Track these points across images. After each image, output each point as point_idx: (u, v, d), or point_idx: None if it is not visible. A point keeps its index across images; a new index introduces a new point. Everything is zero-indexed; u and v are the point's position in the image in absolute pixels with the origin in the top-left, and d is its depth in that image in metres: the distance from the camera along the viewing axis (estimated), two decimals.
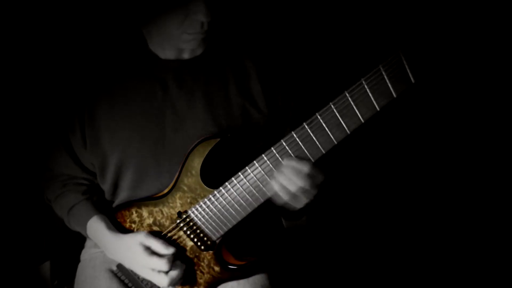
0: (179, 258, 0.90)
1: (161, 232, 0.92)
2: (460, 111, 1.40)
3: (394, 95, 0.70)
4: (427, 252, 1.52)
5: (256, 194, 0.84)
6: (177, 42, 0.87)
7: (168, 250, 0.86)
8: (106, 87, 0.92)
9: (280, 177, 0.79)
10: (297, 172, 0.77)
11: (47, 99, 1.03)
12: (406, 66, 0.68)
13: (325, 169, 0.81)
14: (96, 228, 0.93)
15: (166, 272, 0.86)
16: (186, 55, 0.92)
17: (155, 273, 0.86)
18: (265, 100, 0.93)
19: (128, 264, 0.91)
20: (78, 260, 1.08)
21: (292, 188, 0.78)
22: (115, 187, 0.98)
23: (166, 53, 0.91)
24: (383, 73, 0.69)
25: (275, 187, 0.80)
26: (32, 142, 1.16)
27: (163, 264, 0.85)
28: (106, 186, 0.99)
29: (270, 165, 0.81)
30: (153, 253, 0.87)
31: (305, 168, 0.77)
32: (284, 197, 0.81)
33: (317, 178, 0.79)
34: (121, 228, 0.94)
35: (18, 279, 1.23)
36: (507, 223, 1.47)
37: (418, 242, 1.52)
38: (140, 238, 0.88)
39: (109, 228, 0.92)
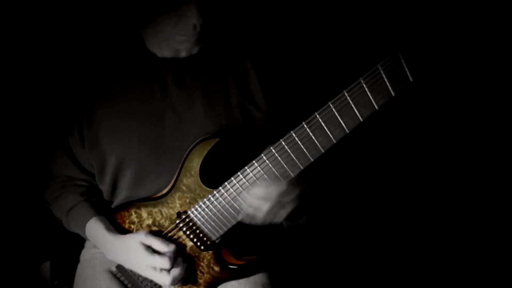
0: (179, 257, 0.90)
1: (161, 231, 0.92)
2: (459, 110, 1.40)
3: (393, 93, 0.71)
4: (427, 252, 1.52)
5: None
6: (172, 43, 0.88)
7: (169, 248, 0.87)
8: (105, 88, 0.92)
9: (246, 206, 0.83)
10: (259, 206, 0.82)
11: (45, 100, 1.03)
12: (404, 65, 0.68)
13: (314, 168, 0.82)
14: (95, 230, 0.93)
15: (168, 270, 0.86)
16: (183, 54, 0.92)
17: (157, 272, 0.86)
18: (264, 98, 0.93)
19: (129, 265, 0.91)
20: (78, 260, 1.08)
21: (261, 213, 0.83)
22: (114, 187, 0.97)
23: (163, 52, 0.92)
24: (382, 72, 0.70)
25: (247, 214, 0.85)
26: (31, 142, 1.16)
27: (165, 262, 0.85)
28: (105, 187, 0.98)
29: (270, 164, 0.81)
30: (154, 251, 0.87)
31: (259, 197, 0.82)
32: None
33: (286, 194, 0.82)
34: (120, 229, 0.94)
35: (18, 279, 1.23)
36: (507, 223, 1.47)
37: (418, 241, 1.52)
38: (140, 238, 0.88)
39: (108, 229, 0.92)
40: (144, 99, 0.91)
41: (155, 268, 0.86)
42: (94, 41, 1.03)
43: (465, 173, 1.47)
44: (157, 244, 0.87)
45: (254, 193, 0.83)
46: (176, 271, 0.87)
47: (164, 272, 0.86)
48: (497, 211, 1.48)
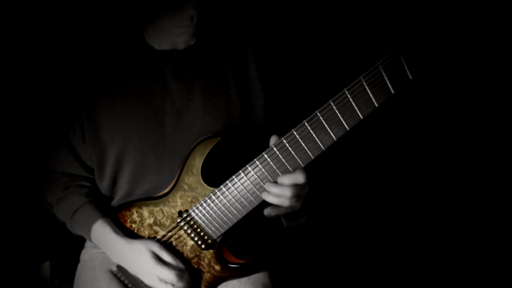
0: (181, 258, 0.91)
1: (171, 244, 0.92)
2: (458, 109, 1.41)
3: (392, 91, 0.72)
4: (427, 252, 1.52)
5: (257, 192, 0.84)
6: (170, 36, 0.89)
7: (178, 262, 0.88)
8: (105, 83, 0.93)
9: (269, 198, 0.83)
10: (282, 193, 0.82)
11: (46, 96, 1.04)
12: (404, 63, 0.70)
13: (314, 168, 0.83)
14: (102, 232, 0.93)
15: (173, 284, 0.87)
16: (181, 46, 0.93)
17: (161, 283, 0.87)
18: (264, 91, 0.94)
19: (134, 270, 0.91)
20: (78, 260, 1.07)
21: (285, 203, 0.83)
22: (114, 182, 0.98)
23: (162, 45, 0.93)
24: (382, 70, 0.71)
25: (272, 212, 0.85)
26: (32, 141, 1.16)
27: (171, 276, 0.85)
28: (105, 182, 0.98)
29: (271, 163, 0.82)
30: (163, 262, 0.87)
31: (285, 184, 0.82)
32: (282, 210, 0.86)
33: (299, 184, 0.82)
34: (123, 229, 0.94)
35: (18, 279, 1.23)
36: (507, 223, 1.47)
37: (418, 241, 1.52)
38: (152, 246, 0.88)
39: (116, 232, 0.92)
40: (143, 95, 0.92)
41: (160, 279, 0.86)
42: (94, 37, 1.03)
43: (464, 172, 1.48)
44: (167, 256, 0.87)
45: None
46: (180, 285, 0.87)
47: (168, 285, 0.87)
48: (497, 211, 1.49)
